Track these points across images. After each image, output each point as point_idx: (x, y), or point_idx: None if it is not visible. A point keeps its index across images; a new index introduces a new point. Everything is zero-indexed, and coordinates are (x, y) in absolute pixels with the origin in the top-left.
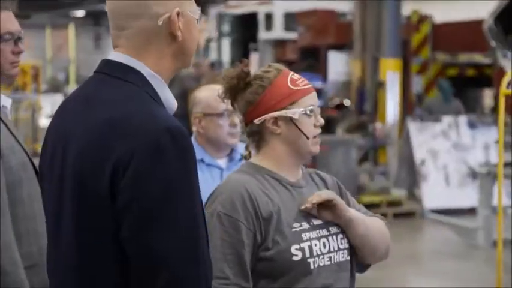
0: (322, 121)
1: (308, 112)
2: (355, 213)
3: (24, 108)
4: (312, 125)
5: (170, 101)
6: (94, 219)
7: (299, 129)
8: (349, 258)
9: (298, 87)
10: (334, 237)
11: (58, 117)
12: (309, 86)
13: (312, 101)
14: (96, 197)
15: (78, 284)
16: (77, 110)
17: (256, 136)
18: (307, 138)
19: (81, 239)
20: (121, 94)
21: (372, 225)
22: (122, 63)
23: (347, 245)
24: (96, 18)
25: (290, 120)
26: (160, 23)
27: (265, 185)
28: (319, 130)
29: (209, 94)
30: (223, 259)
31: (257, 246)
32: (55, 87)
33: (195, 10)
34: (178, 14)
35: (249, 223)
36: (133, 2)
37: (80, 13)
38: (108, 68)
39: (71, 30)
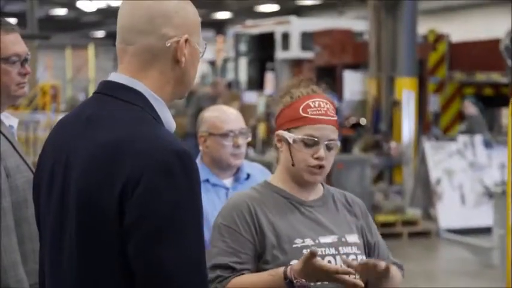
0: (321, 154)
1: (303, 141)
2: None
3: (44, 128)
4: (308, 155)
5: (170, 122)
6: (99, 235)
7: (290, 153)
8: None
9: (307, 115)
10: (344, 257)
11: (57, 133)
12: (321, 117)
13: (315, 132)
14: (102, 214)
15: None
16: (79, 128)
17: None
18: (293, 165)
19: (85, 254)
20: (124, 115)
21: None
22: (123, 84)
23: None
24: (115, 39)
25: (287, 142)
26: (168, 44)
27: (269, 201)
28: (319, 162)
29: (215, 114)
30: (221, 258)
31: (257, 257)
32: (74, 107)
33: (201, 44)
34: (186, 40)
35: (247, 233)
36: (145, 19)
37: (100, 33)
38: (109, 89)
39: (91, 50)
